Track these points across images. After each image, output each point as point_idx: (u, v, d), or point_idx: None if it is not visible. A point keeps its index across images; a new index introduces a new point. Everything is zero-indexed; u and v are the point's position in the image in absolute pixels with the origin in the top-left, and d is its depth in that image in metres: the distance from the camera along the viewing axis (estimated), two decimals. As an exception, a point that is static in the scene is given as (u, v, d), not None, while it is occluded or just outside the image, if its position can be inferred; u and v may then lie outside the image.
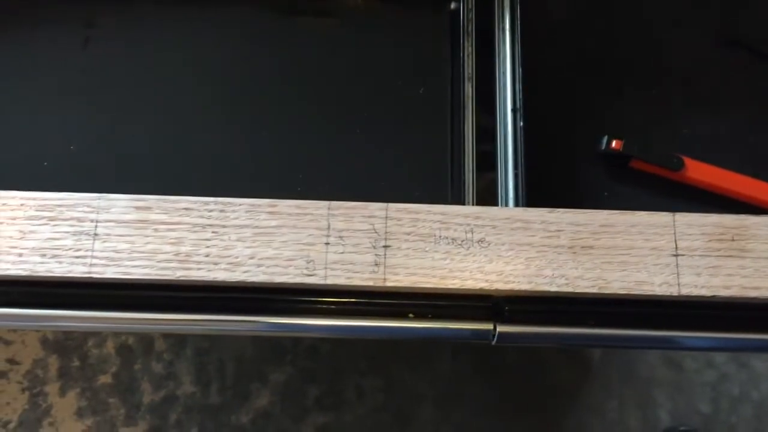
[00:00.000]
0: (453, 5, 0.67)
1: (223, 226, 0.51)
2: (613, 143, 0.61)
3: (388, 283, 0.50)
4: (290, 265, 0.50)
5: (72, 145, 0.61)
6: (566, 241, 0.52)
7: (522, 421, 1.25)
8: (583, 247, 0.51)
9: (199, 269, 0.50)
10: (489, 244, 0.51)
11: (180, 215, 0.52)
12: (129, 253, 0.50)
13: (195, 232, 0.51)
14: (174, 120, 0.63)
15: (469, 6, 0.65)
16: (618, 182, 0.62)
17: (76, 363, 1.25)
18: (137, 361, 1.25)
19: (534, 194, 0.58)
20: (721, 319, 0.53)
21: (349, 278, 0.50)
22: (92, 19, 0.66)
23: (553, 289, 0.50)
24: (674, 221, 0.52)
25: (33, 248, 0.51)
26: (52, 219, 0.51)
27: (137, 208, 0.52)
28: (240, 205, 0.52)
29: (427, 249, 0.51)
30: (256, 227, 0.51)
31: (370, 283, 0.50)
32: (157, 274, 0.50)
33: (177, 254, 0.51)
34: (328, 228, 0.52)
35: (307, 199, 0.52)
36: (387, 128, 0.63)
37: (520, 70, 0.62)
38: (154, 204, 0.52)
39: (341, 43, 0.67)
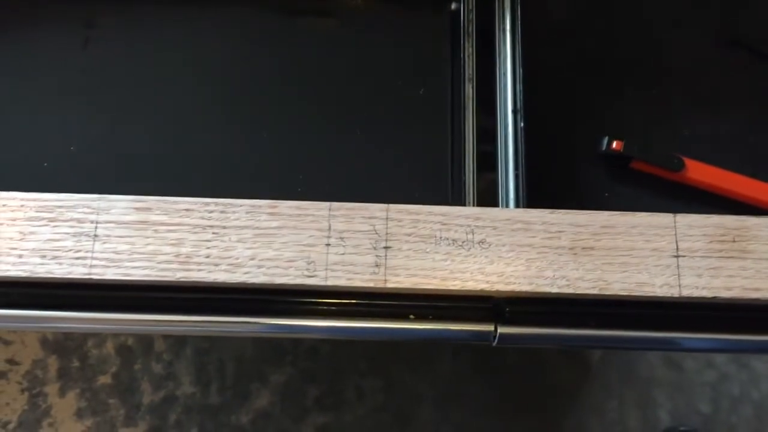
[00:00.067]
0: (453, 5, 0.67)
1: (224, 227, 0.51)
2: (614, 144, 0.60)
3: (389, 285, 0.50)
4: (291, 267, 0.50)
5: (72, 146, 0.61)
6: (567, 242, 0.52)
7: (522, 421, 1.25)
8: (583, 248, 0.51)
9: (200, 270, 0.50)
10: (490, 245, 0.51)
11: (180, 216, 0.52)
12: (129, 255, 0.50)
13: (195, 233, 0.51)
14: (174, 120, 0.63)
15: (470, 6, 0.65)
16: (618, 183, 0.62)
17: (76, 363, 1.25)
18: (137, 362, 1.25)
19: (534, 195, 0.58)
20: (723, 321, 0.53)
21: (349, 279, 0.50)
22: (92, 19, 0.66)
23: (554, 290, 0.50)
24: (675, 222, 0.52)
25: (33, 249, 0.50)
26: (52, 220, 0.51)
27: (137, 209, 0.52)
28: (240, 206, 0.52)
29: (427, 250, 0.51)
30: (257, 228, 0.51)
31: (371, 285, 0.50)
32: (157, 276, 0.50)
33: (177, 255, 0.50)
34: (329, 229, 0.51)
35: (307, 200, 0.52)
36: (387, 129, 0.63)
37: (521, 70, 0.62)
38: (155, 205, 0.52)
39: (341, 44, 0.67)
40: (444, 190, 0.60)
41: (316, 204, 0.52)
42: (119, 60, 0.65)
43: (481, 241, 0.51)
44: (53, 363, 1.25)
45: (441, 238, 0.51)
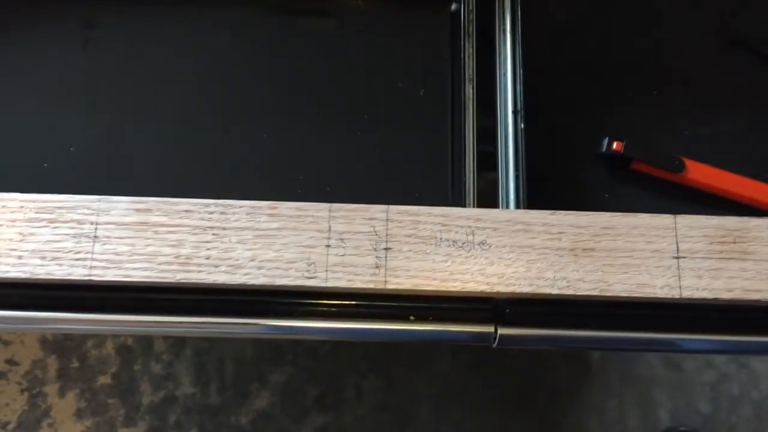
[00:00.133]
0: (454, 6, 0.67)
1: (224, 229, 0.51)
2: (614, 145, 0.60)
3: (389, 286, 0.50)
4: (291, 268, 0.50)
5: (72, 147, 0.61)
6: (567, 243, 0.52)
7: (521, 421, 1.25)
8: (584, 249, 0.51)
9: (200, 272, 0.50)
10: (490, 247, 0.51)
11: (180, 217, 0.52)
12: (129, 256, 0.50)
13: (195, 234, 0.51)
14: (174, 121, 0.63)
15: (470, 7, 0.65)
16: (619, 184, 0.61)
17: (76, 364, 1.25)
18: (137, 362, 1.25)
19: (535, 196, 0.58)
20: (723, 322, 0.53)
21: (350, 281, 0.50)
22: (92, 19, 0.66)
23: (555, 291, 0.50)
24: (675, 223, 0.52)
25: (33, 251, 0.50)
26: (52, 221, 0.51)
27: (137, 210, 0.52)
28: (240, 207, 0.52)
29: (428, 251, 0.51)
30: (257, 229, 0.51)
31: (371, 286, 0.50)
32: (157, 277, 0.50)
33: (177, 256, 0.50)
34: (329, 230, 0.51)
35: (307, 201, 0.52)
36: (387, 129, 0.63)
37: (521, 71, 0.62)
38: (155, 206, 0.52)
39: (341, 44, 0.67)
40: (444, 191, 0.60)
41: (316, 205, 0.52)
42: (119, 60, 0.65)
43: (482, 243, 0.51)
44: (53, 363, 1.25)
45: (441, 239, 0.51)
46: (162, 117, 0.63)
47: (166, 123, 0.63)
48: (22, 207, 0.52)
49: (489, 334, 0.53)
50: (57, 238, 0.51)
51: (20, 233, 0.51)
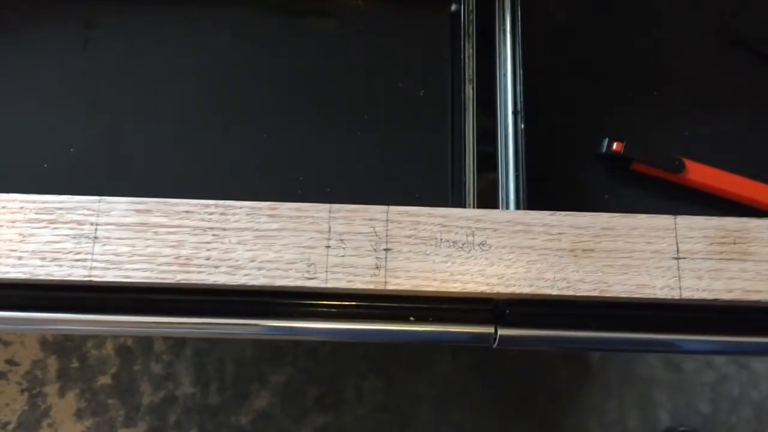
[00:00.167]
0: (454, 6, 0.67)
1: (224, 229, 0.51)
2: (614, 145, 0.60)
3: (389, 287, 0.50)
4: (291, 269, 0.50)
5: (72, 147, 0.61)
6: (567, 244, 0.51)
7: (521, 421, 1.25)
8: (584, 250, 0.51)
9: (200, 272, 0.50)
10: (490, 247, 0.51)
11: (180, 218, 0.51)
12: (129, 257, 0.50)
13: (195, 235, 0.51)
14: (174, 121, 0.63)
15: (470, 7, 0.65)
16: (619, 184, 0.61)
17: (76, 364, 1.25)
18: (137, 362, 1.25)
19: (535, 196, 0.58)
20: (723, 323, 0.53)
21: (350, 281, 0.50)
22: (92, 19, 0.66)
23: (555, 292, 0.50)
24: (675, 224, 0.52)
25: (33, 251, 0.50)
26: (51, 222, 0.51)
27: (137, 211, 0.52)
28: (240, 207, 0.52)
29: (428, 252, 0.51)
30: (257, 230, 0.51)
31: (371, 287, 0.50)
32: (157, 278, 0.50)
33: (177, 257, 0.50)
34: (329, 231, 0.51)
35: (307, 202, 0.52)
36: (387, 130, 0.63)
37: (521, 71, 0.62)
38: (155, 207, 0.52)
39: (341, 45, 0.67)
40: (444, 191, 0.60)
41: (316, 206, 0.52)
42: (119, 60, 0.65)
43: (482, 243, 0.51)
44: (53, 363, 1.25)
45: (441, 240, 0.51)
46: (162, 117, 0.63)
47: (166, 123, 0.63)
48: (22, 208, 0.52)
49: (489, 334, 0.53)
50: (57, 238, 0.51)
51: (20, 234, 0.51)
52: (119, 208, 0.52)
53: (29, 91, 0.64)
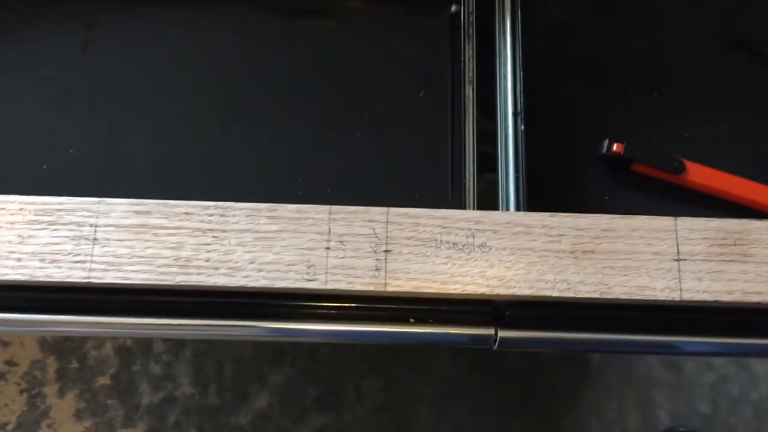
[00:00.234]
0: (453, 7, 0.67)
1: (224, 231, 0.51)
2: (614, 146, 0.60)
3: (389, 288, 0.50)
4: (291, 270, 0.50)
5: (71, 148, 0.61)
6: (567, 245, 0.51)
7: (521, 422, 1.25)
8: (584, 251, 0.51)
9: (199, 274, 0.50)
10: (490, 249, 0.51)
11: (180, 220, 0.51)
12: (129, 258, 0.50)
13: (195, 236, 0.51)
14: (174, 122, 0.63)
15: (470, 8, 0.65)
16: (619, 186, 0.61)
17: (75, 364, 1.25)
18: (136, 363, 1.25)
19: (535, 198, 0.58)
20: (724, 324, 0.53)
21: (349, 283, 0.50)
22: (92, 19, 0.66)
23: (555, 294, 0.50)
24: (676, 226, 0.52)
25: (32, 253, 0.50)
26: (51, 223, 0.51)
27: (137, 212, 0.52)
28: (240, 209, 0.52)
29: (428, 254, 0.51)
30: (257, 232, 0.51)
31: (371, 288, 0.50)
32: (156, 279, 0.50)
33: (177, 259, 0.50)
34: (329, 232, 0.51)
35: (307, 203, 0.52)
36: (387, 131, 0.63)
37: (521, 72, 0.62)
38: (154, 208, 0.52)
39: (341, 46, 0.66)
40: (444, 192, 0.60)
41: (316, 207, 0.52)
42: (119, 60, 0.65)
43: (482, 245, 0.51)
44: (52, 364, 1.25)
45: (441, 241, 0.51)
46: (162, 117, 0.63)
47: (166, 123, 0.63)
48: (21, 209, 0.52)
49: (489, 336, 0.53)
50: (56, 240, 0.51)
51: (19, 235, 0.51)
52: (119, 209, 0.52)
53: (29, 91, 0.64)
